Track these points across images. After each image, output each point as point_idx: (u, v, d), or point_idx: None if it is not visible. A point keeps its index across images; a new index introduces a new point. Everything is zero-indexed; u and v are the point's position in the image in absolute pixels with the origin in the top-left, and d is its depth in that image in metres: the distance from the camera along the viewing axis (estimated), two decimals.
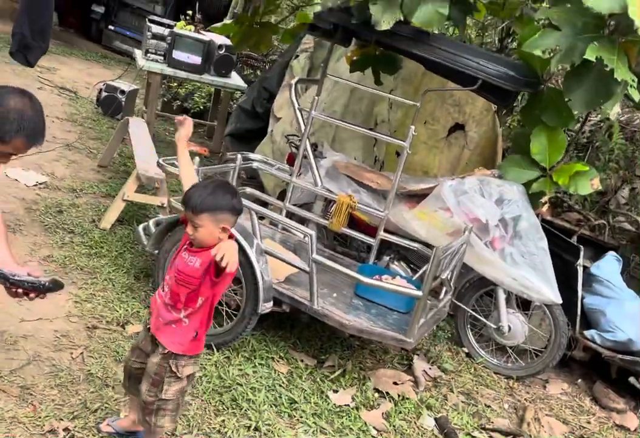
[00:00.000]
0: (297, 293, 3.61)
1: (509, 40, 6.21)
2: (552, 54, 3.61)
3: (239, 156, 4.28)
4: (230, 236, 2.45)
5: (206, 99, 7.62)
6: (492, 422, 3.75)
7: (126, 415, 2.81)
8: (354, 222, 4.40)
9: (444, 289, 3.92)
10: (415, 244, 4.11)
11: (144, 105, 7.24)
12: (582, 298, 4.54)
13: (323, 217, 4.39)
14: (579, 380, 4.58)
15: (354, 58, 4.81)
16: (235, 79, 6.92)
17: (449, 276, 3.76)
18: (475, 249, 4.02)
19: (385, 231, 4.19)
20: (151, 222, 3.95)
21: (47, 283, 2.35)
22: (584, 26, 3.54)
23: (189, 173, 2.77)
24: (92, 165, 5.62)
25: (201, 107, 7.57)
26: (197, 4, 8.37)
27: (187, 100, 7.70)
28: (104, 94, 6.99)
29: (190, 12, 8.31)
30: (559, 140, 4.15)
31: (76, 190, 4.98)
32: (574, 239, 4.76)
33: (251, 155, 4.54)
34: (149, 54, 6.55)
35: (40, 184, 4.89)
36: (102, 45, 10.18)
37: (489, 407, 3.90)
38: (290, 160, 4.71)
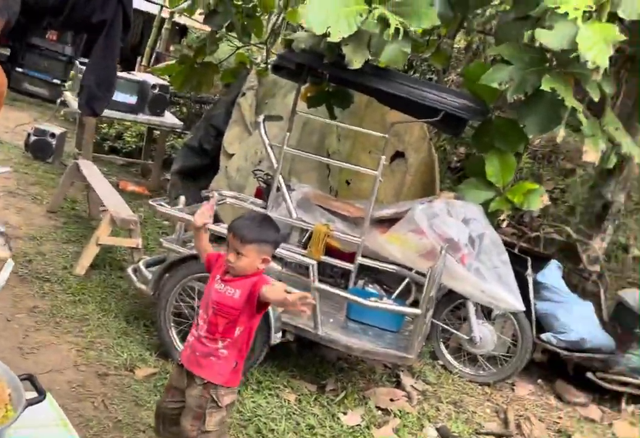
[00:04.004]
0: (299, 321, 3.75)
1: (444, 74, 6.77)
2: (502, 85, 4.02)
3: (216, 193, 4.38)
4: (266, 261, 2.55)
5: (137, 138, 7.59)
6: (484, 427, 4.04)
7: None
8: (327, 249, 4.59)
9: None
10: (394, 267, 4.37)
11: (76, 147, 7.11)
12: (534, 304, 4.98)
13: (299, 247, 4.55)
14: (539, 380, 4.98)
15: (308, 95, 5.07)
16: (169, 118, 6.98)
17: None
18: (448, 267, 4.33)
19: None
20: (141, 264, 3.96)
21: None
22: (531, 60, 4.01)
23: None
24: (42, 211, 5.48)
25: (133, 147, 7.53)
26: None
27: (117, 140, 7.63)
28: (32, 138, 6.80)
29: None
30: (509, 163, 4.60)
31: (36, 238, 4.86)
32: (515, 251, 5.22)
33: (224, 192, 4.64)
34: None
35: None
36: (9, 87, 9.80)
37: (475, 413, 4.19)
38: (259, 194, 4.84)
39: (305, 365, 4.07)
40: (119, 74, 7.04)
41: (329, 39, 3.70)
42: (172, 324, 3.70)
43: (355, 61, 3.85)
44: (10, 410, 1.45)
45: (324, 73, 4.60)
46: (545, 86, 3.73)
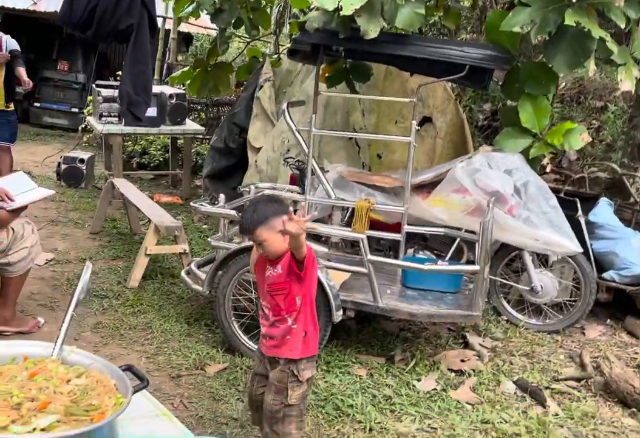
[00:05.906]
0: (356, 297, 3.74)
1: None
2: (524, 28, 3.89)
3: (252, 187, 4.39)
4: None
5: (162, 150, 7.67)
6: (561, 373, 3.97)
7: None
8: (370, 224, 4.55)
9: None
10: (441, 230, 4.32)
11: (105, 168, 7.22)
12: (591, 245, 4.86)
13: (342, 226, 4.52)
14: (608, 320, 4.86)
15: (326, 75, 5.02)
16: (191, 125, 7.03)
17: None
18: (497, 220, 4.26)
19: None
20: (192, 265, 4.00)
21: None
22: None
23: None
24: (85, 234, 5.60)
25: (160, 160, 7.62)
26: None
27: (143, 156, 7.73)
28: (63, 166, 6.94)
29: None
30: (543, 106, 4.47)
31: (86, 259, 4.95)
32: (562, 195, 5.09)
33: (260, 184, 4.65)
34: (103, 118, 6.56)
35: (50, 261, 4.85)
36: (30, 123, 10.04)
37: (549, 361, 4.12)
38: (294, 181, 4.83)
39: (369, 340, 4.06)
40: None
41: (341, 13, 3.62)
42: (233, 319, 3.72)
43: (371, 30, 3.77)
44: (120, 396, 1.50)
45: (339, 51, 4.52)
46: (569, 21, 3.61)
